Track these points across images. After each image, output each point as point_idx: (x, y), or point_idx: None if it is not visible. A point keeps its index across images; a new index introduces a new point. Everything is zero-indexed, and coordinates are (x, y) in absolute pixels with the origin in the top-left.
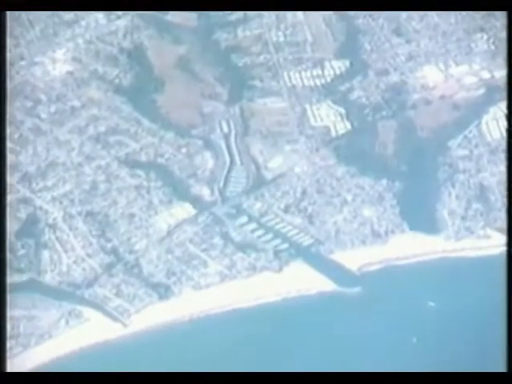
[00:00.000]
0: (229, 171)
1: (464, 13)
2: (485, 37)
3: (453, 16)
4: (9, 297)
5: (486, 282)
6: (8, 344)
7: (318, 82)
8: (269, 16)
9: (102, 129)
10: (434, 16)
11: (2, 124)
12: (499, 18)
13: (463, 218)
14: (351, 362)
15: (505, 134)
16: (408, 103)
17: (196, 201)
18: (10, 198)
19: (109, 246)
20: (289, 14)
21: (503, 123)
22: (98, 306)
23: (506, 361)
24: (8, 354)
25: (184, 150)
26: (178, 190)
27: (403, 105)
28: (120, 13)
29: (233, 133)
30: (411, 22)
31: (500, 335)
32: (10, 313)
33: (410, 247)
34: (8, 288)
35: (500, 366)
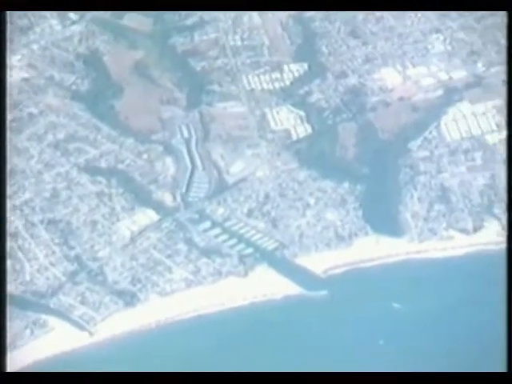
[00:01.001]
0: (190, 176)
1: (419, 14)
2: (441, 38)
3: (408, 17)
4: None
5: (452, 282)
6: None
7: (276, 86)
8: (225, 20)
9: (60, 136)
10: (389, 18)
11: (2, 124)
12: (455, 18)
13: (426, 220)
14: (319, 364)
15: (464, 134)
16: (367, 105)
17: (158, 207)
18: None
19: (72, 253)
20: (245, 18)
21: (462, 124)
22: (63, 314)
23: (506, 361)
24: None
25: (145, 156)
26: (140, 197)
27: (362, 107)
28: (75, 18)
29: (193, 138)
30: (367, 25)
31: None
32: None
33: (374, 250)
34: None
35: (500, 366)
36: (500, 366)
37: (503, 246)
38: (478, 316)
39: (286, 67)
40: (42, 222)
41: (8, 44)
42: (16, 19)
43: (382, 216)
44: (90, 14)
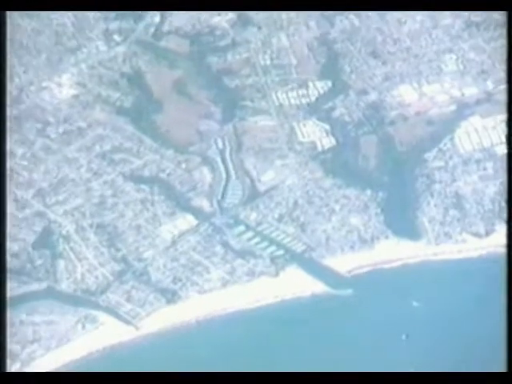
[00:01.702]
0: (225, 184)
1: (434, 35)
2: (453, 57)
3: (423, 39)
4: (29, 304)
5: (466, 282)
6: (30, 348)
7: (303, 101)
8: (255, 41)
9: (107, 147)
10: (406, 40)
11: (2, 123)
12: (466, 39)
13: (442, 224)
14: (345, 359)
15: (476, 146)
16: (386, 119)
17: (197, 212)
18: (25, 212)
19: (119, 255)
20: (274, 40)
21: (474, 136)
22: (111, 310)
23: (506, 361)
24: (30, 356)
25: (184, 166)
26: (180, 203)
27: (382, 121)
28: (119, 39)
29: (227, 149)
30: (386, 46)
31: (490, 334)
32: (31, 318)
33: (395, 252)
34: (28, 296)
35: (500, 366)
36: (500, 366)
37: None
38: (489, 314)
39: (311, 84)
40: (91, 226)
41: (58, 63)
42: (66, 41)
43: (402, 221)
44: (132, 36)
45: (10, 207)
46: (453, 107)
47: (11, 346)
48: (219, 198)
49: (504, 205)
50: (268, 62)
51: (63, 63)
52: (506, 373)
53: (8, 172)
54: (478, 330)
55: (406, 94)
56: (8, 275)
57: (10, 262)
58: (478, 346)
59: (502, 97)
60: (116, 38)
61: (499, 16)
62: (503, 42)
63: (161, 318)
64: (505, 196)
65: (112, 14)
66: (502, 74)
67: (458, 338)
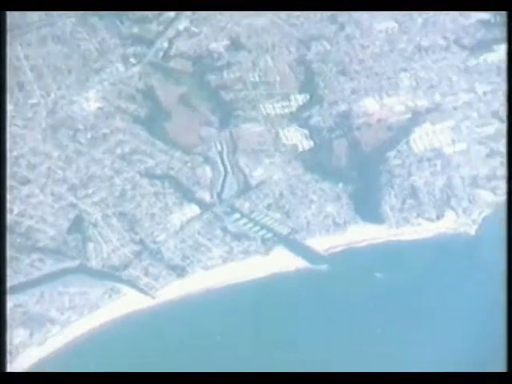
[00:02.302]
0: (223, 180)
1: (391, 57)
2: (408, 75)
3: (383, 60)
4: (65, 278)
5: (421, 257)
6: (66, 314)
7: (286, 111)
8: (246, 62)
9: (126, 150)
10: (369, 60)
11: (2, 123)
12: (418, 60)
13: (400, 211)
14: (322, 317)
15: (428, 147)
16: (354, 126)
17: (200, 203)
18: (61, 203)
19: (137, 238)
20: (261, 61)
21: (426, 139)
22: (132, 283)
23: (506, 361)
24: (68, 320)
25: (189, 165)
26: (187, 195)
27: (350, 127)
28: (134, 62)
29: (225, 150)
30: (352, 65)
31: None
32: (66, 289)
33: (363, 234)
34: (63, 271)
35: (500, 366)
36: (500, 366)
37: (460, 229)
38: (439, 281)
39: (292, 97)
40: (114, 214)
41: (85, 81)
42: (91, 63)
43: (368, 209)
44: (145, 59)
45: (48, 199)
46: (408, 115)
47: (51, 312)
48: (218, 190)
49: (451, 194)
50: (257, 79)
51: (89, 81)
52: (505, 373)
53: (46, 170)
54: (430, 297)
55: (369, 105)
56: (47, 255)
57: (49, 244)
58: (428, 307)
59: (448, 106)
60: (132, 60)
61: (444, 41)
62: (447, 62)
63: (172, 290)
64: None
65: (129, 40)
66: (447, 88)
67: (414, 302)
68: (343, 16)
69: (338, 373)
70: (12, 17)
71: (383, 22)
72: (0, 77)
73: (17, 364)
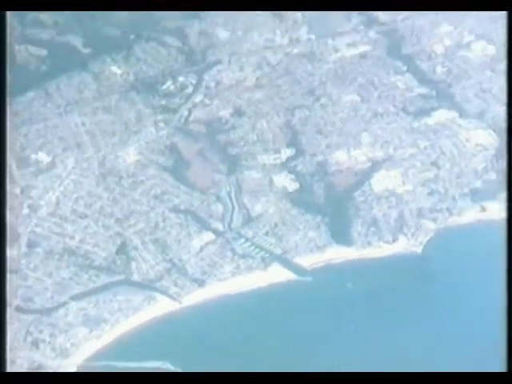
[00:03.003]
0: (231, 213)
1: (355, 121)
2: (368, 134)
3: (349, 122)
4: (114, 289)
5: (381, 272)
6: (116, 316)
7: (278, 162)
8: (247, 125)
9: (158, 191)
10: (339, 123)
11: (2, 120)
12: (374, 123)
13: (365, 236)
14: (305, 318)
15: (384, 188)
16: (329, 172)
17: (215, 231)
18: (109, 232)
19: (167, 258)
20: (258, 124)
21: (382, 182)
22: (164, 292)
23: (506, 361)
24: (116, 320)
25: (205, 202)
26: (204, 225)
27: (326, 173)
28: (163, 126)
29: (232, 192)
30: (326, 127)
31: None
32: (116, 298)
33: (337, 254)
34: (110, 283)
35: (500, 366)
36: (500, 366)
37: (410, 249)
38: (398, 289)
39: (282, 151)
40: (150, 240)
41: (126, 141)
42: (131, 127)
43: (341, 235)
44: (171, 124)
45: (100, 230)
46: (369, 164)
47: (105, 315)
48: (228, 221)
49: (403, 223)
50: (255, 138)
51: (130, 141)
52: (506, 373)
53: (99, 208)
54: (389, 300)
55: (340, 156)
56: (101, 271)
57: (102, 263)
58: (387, 309)
59: (398, 157)
60: (161, 125)
61: (394, 109)
62: (397, 124)
63: (194, 297)
64: (505, 194)
65: (158, 110)
66: (398, 144)
67: (378, 304)
68: (319, 90)
69: (338, 373)
70: (70, 93)
71: (349, 95)
72: (0, 77)
73: (80, 354)
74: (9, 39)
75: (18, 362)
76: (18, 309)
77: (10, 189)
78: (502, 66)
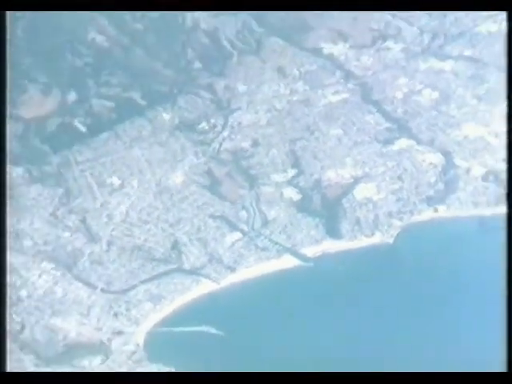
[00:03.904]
0: (253, 218)
1: (340, 148)
2: (350, 158)
3: (336, 150)
4: (171, 275)
5: (363, 259)
6: (172, 294)
7: (285, 179)
8: (262, 153)
9: (199, 203)
10: (328, 150)
11: (2, 123)
12: (355, 150)
13: (352, 232)
14: (308, 300)
15: (363, 197)
16: (323, 186)
17: (241, 231)
18: (165, 234)
19: (208, 251)
20: (270, 152)
21: (361, 193)
22: (207, 276)
23: (506, 361)
24: (172, 299)
25: (234, 210)
26: (234, 227)
27: (321, 187)
28: (201, 155)
29: (253, 202)
30: (320, 153)
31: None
32: (172, 280)
33: (331, 245)
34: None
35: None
36: (500, 366)
37: (384, 241)
38: (375, 271)
39: (288, 171)
40: (195, 239)
41: (174, 167)
42: (177, 157)
43: (333, 231)
44: (207, 154)
45: (159, 232)
46: (352, 180)
47: (164, 293)
48: (251, 224)
49: (378, 223)
50: (268, 162)
51: (177, 167)
52: (506, 373)
53: (157, 216)
54: (368, 280)
55: (330, 174)
56: (160, 262)
57: (161, 257)
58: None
59: (373, 174)
60: (200, 155)
61: (368, 138)
62: (371, 150)
63: (228, 279)
64: (505, 194)
65: (197, 143)
66: (372, 163)
67: (363, 281)
68: (313, 127)
69: (338, 373)
70: (132, 133)
71: (335, 130)
72: (0, 78)
73: (148, 322)
74: (90, 98)
75: (104, 329)
76: (103, 290)
77: (93, 204)
78: (444, 107)
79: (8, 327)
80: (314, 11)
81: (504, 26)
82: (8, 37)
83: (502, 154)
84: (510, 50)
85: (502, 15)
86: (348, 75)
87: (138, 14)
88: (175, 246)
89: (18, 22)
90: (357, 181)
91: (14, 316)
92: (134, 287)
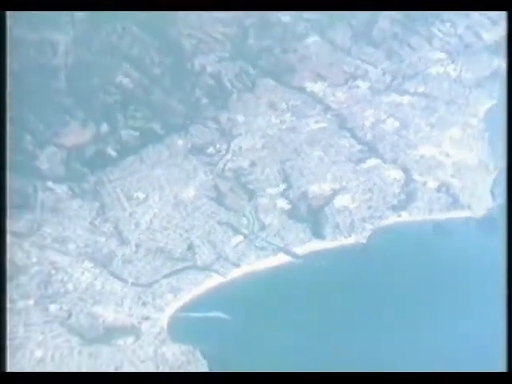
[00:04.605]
0: (253, 224)
1: (322, 166)
2: (330, 175)
3: (317, 169)
4: (186, 271)
5: (343, 256)
6: (189, 287)
7: (278, 192)
8: (259, 171)
9: (209, 212)
10: (313, 167)
11: (2, 122)
12: (333, 167)
13: (333, 234)
14: (298, 291)
15: (341, 205)
16: (309, 197)
17: (243, 235)
18: (182, 238)
19: (217, 251)
20: (266, 170)
21: (340, 201)
22: (216, 271)
23: (506, 361)
24: (189, 290)
25: (237, 218)
26: (237, 231)
27: (307, 198)
28: (209, 173)
29: (253, 211)
30: (305, 170)
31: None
32: (187, 276)
33: (317, 245)
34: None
35: (500, 366)
36: (500, 366)
37: (359, 241)
38: (351, 267)
39: (280, 186)
40: (206, 241)
41: (187, 184)
42: (190, 174)
43: (317, 233)
44: (213, 173)
45: (177, 237)
46: (332, 192)
47: (182, 286)
48: (251, 229)
49: (354, 226)
50: (264, 178)
51: (189, 183)
52: (506, 373)
53: (175, 224)
54: (347, 275)
55: (315, 188)
56: (178, 261)
57: (179, 256)
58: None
59: (349, 187)
60: (208, 173)
61: (344, 159)
62: (346, 168)
63: (234, 273)
64: (505, 194)
65: (206, 164)
66: (348, 179)
67: (341, 272)
68: (299, 149)
69: (338, 373)
70: (154, 156)
71: (317, 152)
72: (0, 78)
73: (170, 309)
74: (119, 129)
75: (135, 315)
76: (133, 284)
77: (123, 214)
78: (404, 132)
79: (57, 314)
80: (313, 11)
81: (450, 68)
82: (52, 84)
83: (452, 170)
84: (510, 50)
85: (448, 60)
86: (326, 108)
87: (157, 60)
88: (190, 247)
89: (60, 71)
90: (335, 193)
91: (63, 305)
92: (157, 281)
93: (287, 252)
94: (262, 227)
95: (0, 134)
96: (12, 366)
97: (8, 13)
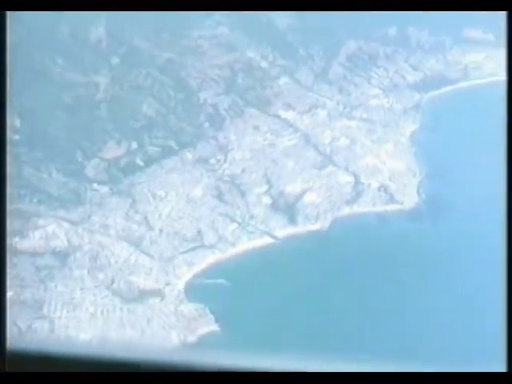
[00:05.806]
0: (245, 215)
1: (304, 175)
2: (301, 179)
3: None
4: (197, 250)
5: (312, 240)
6: (198, 260)
7: (263, 191)
8: (248, 176)
9: (212, 206)
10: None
11: (2, 123)
12: (317, 179)
13: (303, 222)
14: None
15: (312, 200)
16: (285, 194)
17: (238, 223)
18: (193, 225)
19: (219, 235)
20: (252, 176)
21: (308, 199)
22: (219, 250)
23: (506, 361)
24: (200, 265)
25: (234, 210)
26: (233, 220)
27: (283, 195)
28: (211, 175)
29: (247, 215)
30: (282, 175)
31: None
32: (197, 254)
33: (292, 230)
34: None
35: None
36: (500, 366)
37: (325, 227)
38: (318, 248)
39: (264, 187)
40: (211, 227)
41: (195, 186)
42: (197, 179)
43: (293, 222)
44: (216, 174)
45: (190, 224)
46: (302, 191)
47: (194, 260)
48: (243, 218)
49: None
50: (251, 181)
51: (198, 185)
52: (505, 373)
53: (186, 214)
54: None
55: (289, 188)
56: (189, 242)
57: (189, 239)
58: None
59: (314, 188)
60: (212, 178)
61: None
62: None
63: (231, 251)
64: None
65: (210, 168)
66: (314, 181)
67: (310, 250)
68: (277, 159)
69: (338, 373)
70: (169, 165)
71: (289, 162)
72: (0, 78)
73: (184, 277)
74: (145, 146)
75: (160, 282)
76: (158, 258)
77: (149, 207)
78: (353, 147)
79: (103, 281)
80: (313, 11)
81: (384, 101)
82: (96, 113)
83: (388, 175)
84: (510, 51)
85: (383, 95)
86: (296, 130)
87: (172, 95)
88: (199, 232)
89: (102, 104)
90: (305, 191)
91: (107, 274)
92: (175, 257)
93: (270, 235)
94: (252, 217)
95: (0, 133)
96: (71, 320)
97: (64, 58)
